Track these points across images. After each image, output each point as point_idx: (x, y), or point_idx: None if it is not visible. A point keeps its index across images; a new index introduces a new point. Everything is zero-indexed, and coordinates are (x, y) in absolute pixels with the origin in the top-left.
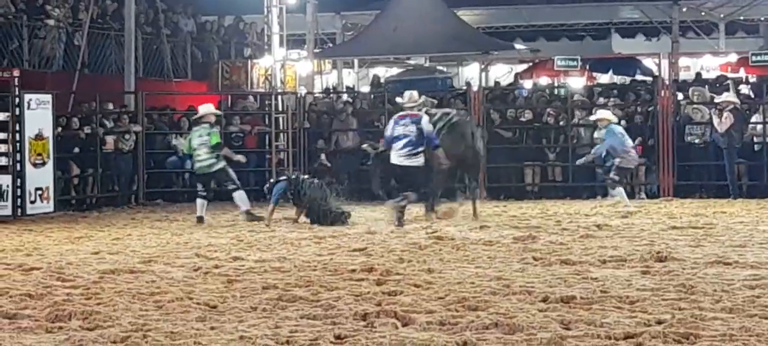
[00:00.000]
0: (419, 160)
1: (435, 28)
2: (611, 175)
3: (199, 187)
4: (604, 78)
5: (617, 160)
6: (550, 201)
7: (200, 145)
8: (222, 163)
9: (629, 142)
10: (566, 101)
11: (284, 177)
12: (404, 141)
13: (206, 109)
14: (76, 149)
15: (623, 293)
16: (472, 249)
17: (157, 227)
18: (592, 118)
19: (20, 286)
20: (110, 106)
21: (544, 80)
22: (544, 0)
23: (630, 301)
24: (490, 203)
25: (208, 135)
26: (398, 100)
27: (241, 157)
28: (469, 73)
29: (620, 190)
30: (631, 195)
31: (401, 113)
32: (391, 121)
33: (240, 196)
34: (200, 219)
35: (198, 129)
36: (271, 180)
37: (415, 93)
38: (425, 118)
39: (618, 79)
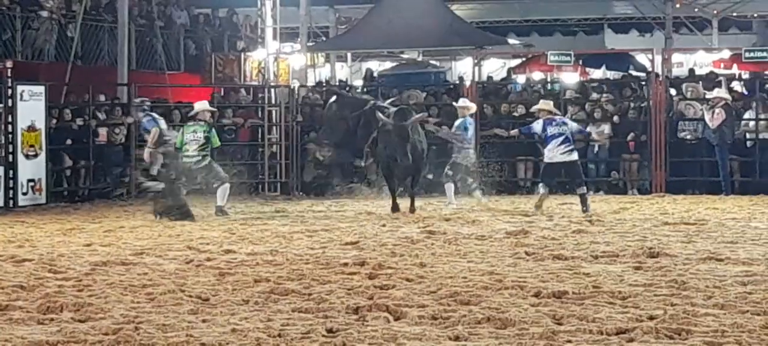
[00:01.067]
0: (575, 155)
1: (429, 23)
2: (446, 170)
3: (183, 180)
4: (597, 73)
5: (454, 155)
6: None
7: (191, 141)
8: (208, 160)
9: (471, 139)
10: (559, 96)
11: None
12: (561, 139)
13: (202, 106)
14: (69, 141)
15: (615, 289)
16: (464, 244)
17: (149, 219)
18: (457, 104)
19: (12, 277)
20: (102, 97)
21: (537, 75)
22: None
23: (622, 296)
24: (483, 197)
25: (204, 134)
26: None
27: None
28: (463, 68)
29: (450, 186)
30: (623, 191)
31: (546, 116)
32: (540, 123)
33: (223, 190)
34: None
35: (192, 125)
36: None
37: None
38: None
39: (611, 74)
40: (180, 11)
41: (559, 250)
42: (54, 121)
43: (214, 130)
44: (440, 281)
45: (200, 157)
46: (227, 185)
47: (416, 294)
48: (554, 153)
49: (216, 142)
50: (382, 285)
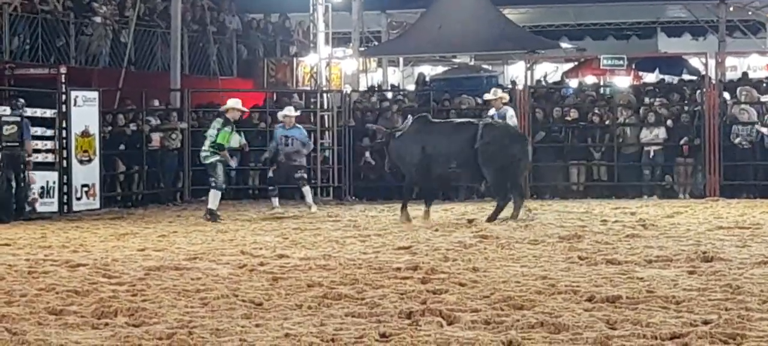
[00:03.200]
0: None
1: (480, 27)
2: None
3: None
4: (650, 77)
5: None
6: (595, 200)
7: (207, 136)
8: (215, 158)
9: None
10: (612, 100)
11: None
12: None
13: (232, 103)
14: (122, 146)
15: (669, 293)
16: (517, 248)
17: (203, 224)
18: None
19: (66, 282)
20: (155, 103)
21: (589, 79)
22: None
23: (676, 301)
24: (535, 201)
25: (216, 130)
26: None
27: (233, 163)
28: (515, 72)
29: (307, 189)
30: (676, 195)
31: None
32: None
33: (214, 194)
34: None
35: (214, 121)
36: None
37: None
38: None
39: (664, 78)
40: (232, 16)
41: (613, 254)
42: (108, 126)
43: (227, 129)
44: (493, 285)
45: (208, 154)
46: (218, 193)
47: (469, 299)
48: None
49: (222, 139)
50: (435, 290)
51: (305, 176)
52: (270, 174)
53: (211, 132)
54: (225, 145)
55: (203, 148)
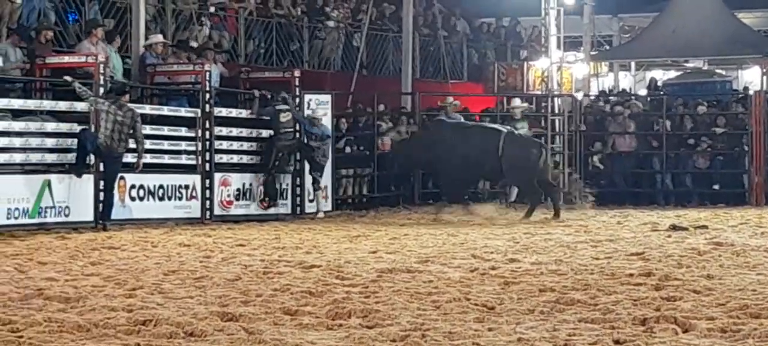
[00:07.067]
0: None
1: (714, 31)
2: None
3: None
4: None
5: None
6: None
7: None
8: None
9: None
10: None
11: None
12: None
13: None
14: (348, 150)
15: None
16: (753, 256)
17: (433, 227)
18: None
19: (300, 283)
20: (381, 107)
21: None
22: None
23: None
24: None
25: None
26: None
27: None
28: (749, 77)
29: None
30: None
31: None
32: None
33: None
34: None
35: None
36: None
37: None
38: None
39: None
40: (463, 21)
41: None
42: (346, 129)
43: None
44: (729, 293)
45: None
46: None
47: (704, 306)
48: None
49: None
50: (669, 296)
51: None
52: None
53: None
54: None
55: None
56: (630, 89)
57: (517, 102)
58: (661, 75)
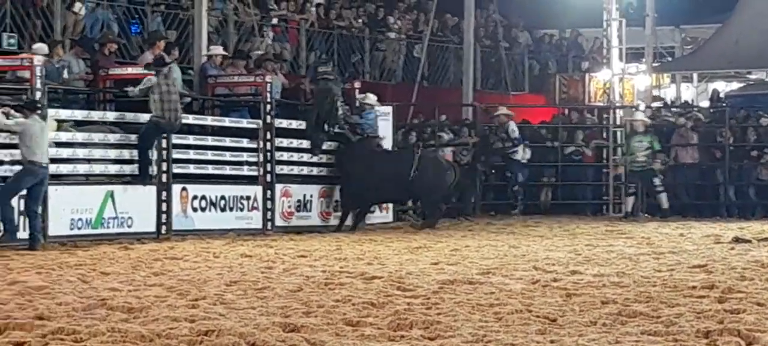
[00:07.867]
0: None
1: None
2: None
3: None
4: None
5: None
6: None
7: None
8: None
9: None
10: None
11: None
12: None
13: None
14: None
15: None
16: None
17: (494, 238)
18: None
19: (362, 294)
20: (442, 117)
21: None
22: None
23: None
24: None
25: None
26: None
27: None
28: None
29: None
30: None
31: None
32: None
33: None
34: None
35: None
36: None
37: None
38: None
39: None
40: (524, 32)
41: None
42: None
43: None
44: None
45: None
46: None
47: None
48: None
49: None
50: (733, 309)
51: None
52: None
53: None
54: None
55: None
56: (692, 101)
57: (639, 115)
58: (723, 86)
